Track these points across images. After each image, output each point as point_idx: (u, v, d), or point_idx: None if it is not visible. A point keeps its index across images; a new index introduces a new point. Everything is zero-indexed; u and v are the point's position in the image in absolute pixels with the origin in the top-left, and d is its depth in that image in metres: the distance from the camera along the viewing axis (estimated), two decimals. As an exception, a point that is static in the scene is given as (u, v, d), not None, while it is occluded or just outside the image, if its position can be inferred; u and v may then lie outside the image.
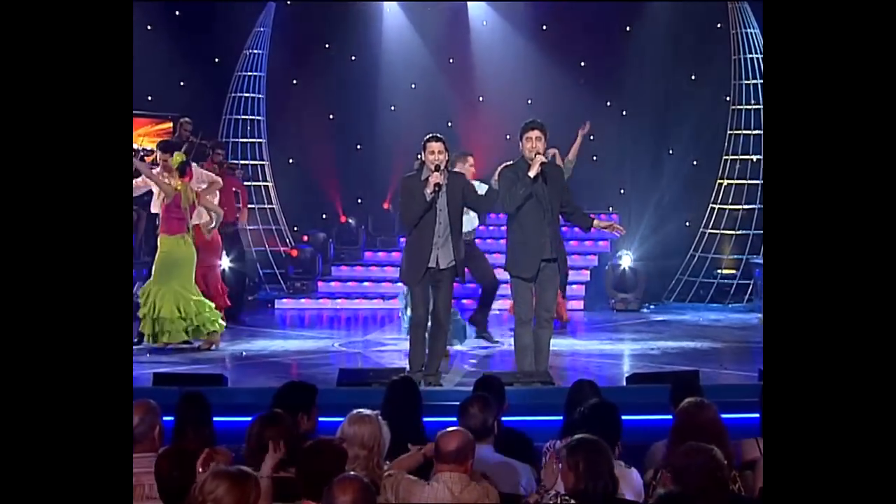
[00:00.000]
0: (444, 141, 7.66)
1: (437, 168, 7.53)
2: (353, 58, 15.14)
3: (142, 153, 11.86)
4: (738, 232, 13.61)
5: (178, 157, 9.63)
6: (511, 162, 7.88)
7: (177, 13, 14.03)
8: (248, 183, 13.52)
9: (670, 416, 5.00)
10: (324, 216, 15.13)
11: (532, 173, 7.52)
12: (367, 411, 4.55)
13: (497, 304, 10.61)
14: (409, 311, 9.17)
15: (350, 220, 14.90)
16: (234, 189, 11.70)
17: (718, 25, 14.18)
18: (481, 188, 8.45)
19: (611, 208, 14.31)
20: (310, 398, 5.15)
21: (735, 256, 13.58)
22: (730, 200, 13.85)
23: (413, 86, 15.13)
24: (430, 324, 7.88)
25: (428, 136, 7.70)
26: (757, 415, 5.19)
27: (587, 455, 3.99)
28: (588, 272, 13.43)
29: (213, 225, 10.05)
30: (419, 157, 7.68)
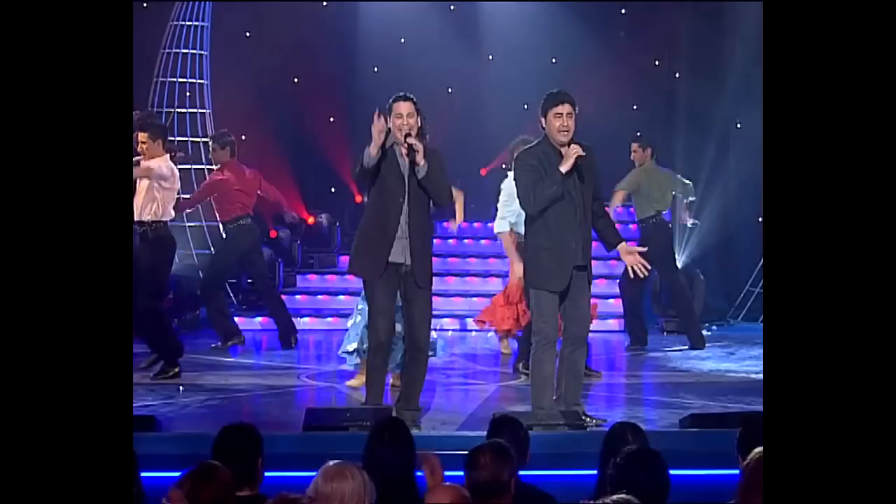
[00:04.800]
0: (415, 102, 7.74)
1: (408, 136, 7.63)
2: (325, 3, 15.18)
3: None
4: (825, 230, 13.61)
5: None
6: (529, 145, 7.90)
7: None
8: (188, 166, 13.53)
9: (737, 471, 5.01)
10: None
11: (565, 168, 7.57)
12: (348, 463, 4.57)
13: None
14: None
15: (321, 218, 14.82)
16: None
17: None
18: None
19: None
20: (253, 448, 5.15)
21: (822, 262, 13.57)
22: (815, 189, 13.86)
23: (402, 40, 15.14)
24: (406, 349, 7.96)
25: (394, 97, 7.78)
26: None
27: None
28: (630, 282, 13.44)
29: None
30: (379, 113, 7.68)
